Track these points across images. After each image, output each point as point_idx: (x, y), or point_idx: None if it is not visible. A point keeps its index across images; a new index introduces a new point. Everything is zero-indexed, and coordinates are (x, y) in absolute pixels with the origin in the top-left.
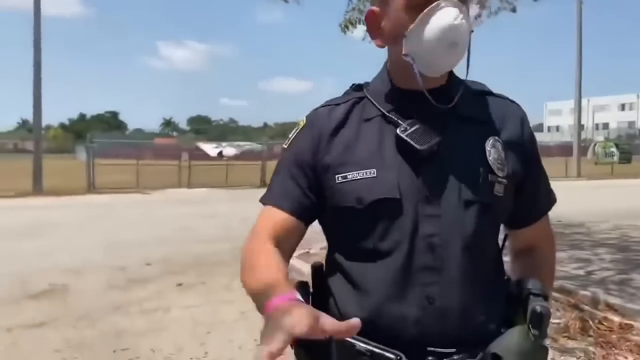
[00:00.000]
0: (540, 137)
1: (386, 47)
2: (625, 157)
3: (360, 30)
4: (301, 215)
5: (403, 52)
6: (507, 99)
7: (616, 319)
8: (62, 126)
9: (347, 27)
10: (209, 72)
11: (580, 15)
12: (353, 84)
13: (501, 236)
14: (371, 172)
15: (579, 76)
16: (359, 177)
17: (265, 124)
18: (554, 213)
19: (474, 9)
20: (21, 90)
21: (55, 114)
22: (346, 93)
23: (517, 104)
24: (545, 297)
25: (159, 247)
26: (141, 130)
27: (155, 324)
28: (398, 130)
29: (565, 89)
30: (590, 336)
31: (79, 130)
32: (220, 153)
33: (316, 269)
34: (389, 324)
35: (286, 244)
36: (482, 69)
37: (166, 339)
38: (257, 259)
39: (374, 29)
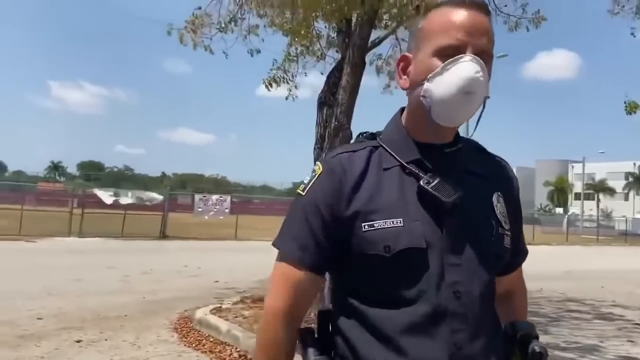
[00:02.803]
0: None
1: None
2: None
3: (283, 89)
4: (319, 269)
5: (421, 94)
6: (500, 157)
7: None
8: None
9: (270, 84)
10: (106, 117)
11: None
12: (364, 132)
13: None
14: (398, 222)
15: None
16: (386, 226)
17: (164, 174)
18: None
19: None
20: None
21: None
22: (358, 141)
23: (507, 162)
24: (537, 338)
25: (50, 299)
26: (22, 172)
27: None
28: (422, 182)
29: None
30: None
31: None
32: (116, 200)
33: (324, 314)
34: None
35: (305, 304)
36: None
37: None
38: None
39: (403, 72)
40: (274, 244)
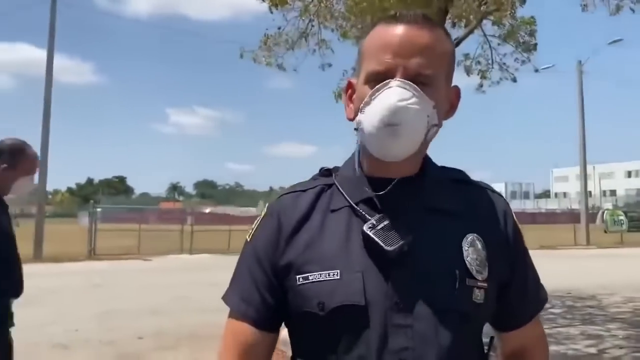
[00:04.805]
0: (547, 204)
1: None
2: (635, 225)
3: None
4: (267, 326)
5: (354, 126)
6: (489, 188)
7: None
8: (70, 190)
9: (340, 95)
10: (217, 137)
11: (581, 83)
12: (322, 168)
13: (487, 338)
14: (335, 274)
15: (582, 143)
16: (321, 279)
17: (271, 188)
18: (564, 285)
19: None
20: None
21: (66, 179)
22: (314, 178)
23: (499, 194)
24: None
25: (153, 318)
26: (147, 194)
27: None
28: (365, 227)
29: (572, 156)
30: None
31: (86, 194)
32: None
33: None
34: None
35: None
36: (489, 137)
37: None
38: None
39: (350, 100)
40: (222, 298)
